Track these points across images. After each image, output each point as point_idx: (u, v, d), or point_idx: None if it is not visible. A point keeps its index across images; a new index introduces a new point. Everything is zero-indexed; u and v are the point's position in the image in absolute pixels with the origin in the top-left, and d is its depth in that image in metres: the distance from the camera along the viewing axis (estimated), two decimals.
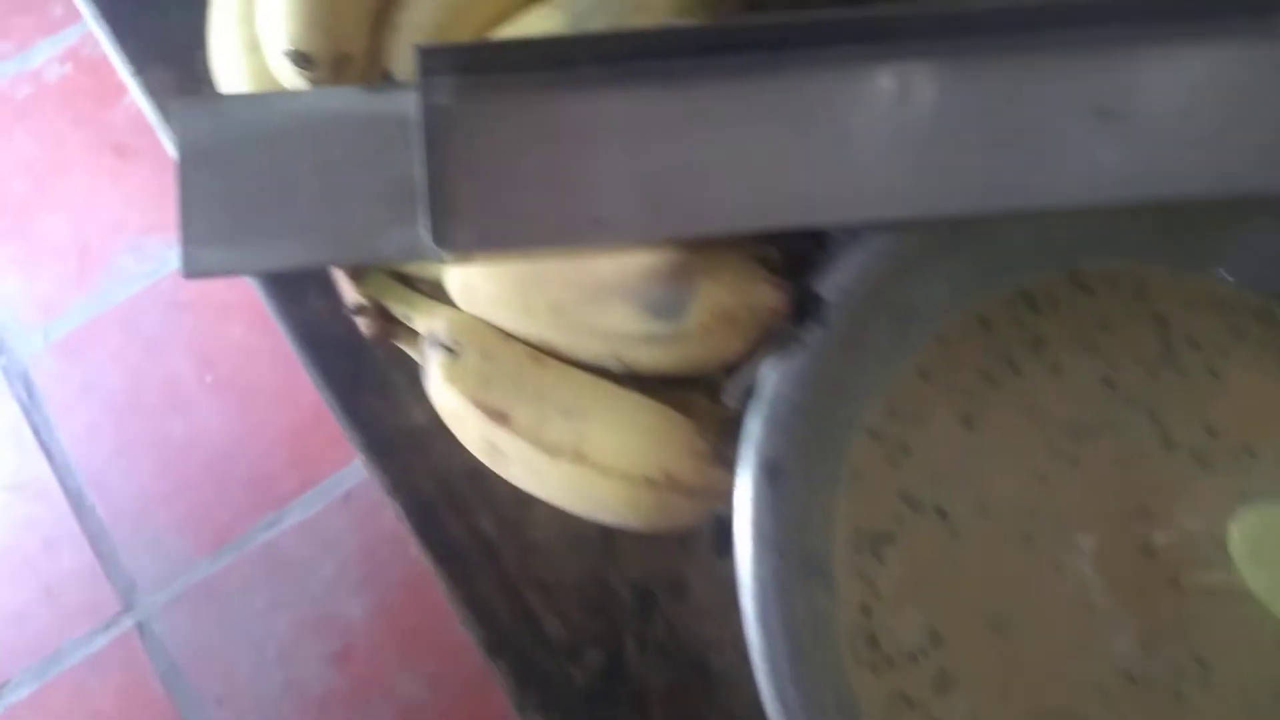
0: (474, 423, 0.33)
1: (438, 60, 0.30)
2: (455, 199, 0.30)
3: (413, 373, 0.38)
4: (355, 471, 0.99)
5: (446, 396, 0.33)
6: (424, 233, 0.29)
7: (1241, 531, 0.36)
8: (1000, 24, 0.31)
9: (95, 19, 0.43)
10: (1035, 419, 0.38)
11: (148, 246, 1.06)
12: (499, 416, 0.32)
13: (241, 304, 1.04)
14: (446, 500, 0.38)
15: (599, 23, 0.34)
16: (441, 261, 0.31)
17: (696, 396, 0.34)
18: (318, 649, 0.95)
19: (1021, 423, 0.38)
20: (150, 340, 1.04)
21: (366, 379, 0.39)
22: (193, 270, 0.30)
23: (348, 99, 0.31)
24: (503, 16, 0.35)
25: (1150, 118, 0.31)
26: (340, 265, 0.34)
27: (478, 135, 0.30)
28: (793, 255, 0.34)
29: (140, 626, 0.98)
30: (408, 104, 0.30)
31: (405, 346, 0.36)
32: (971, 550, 0.37)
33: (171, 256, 1.06)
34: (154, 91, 0.42)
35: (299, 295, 0.40)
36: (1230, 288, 0.38)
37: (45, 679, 0.96)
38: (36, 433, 1.02)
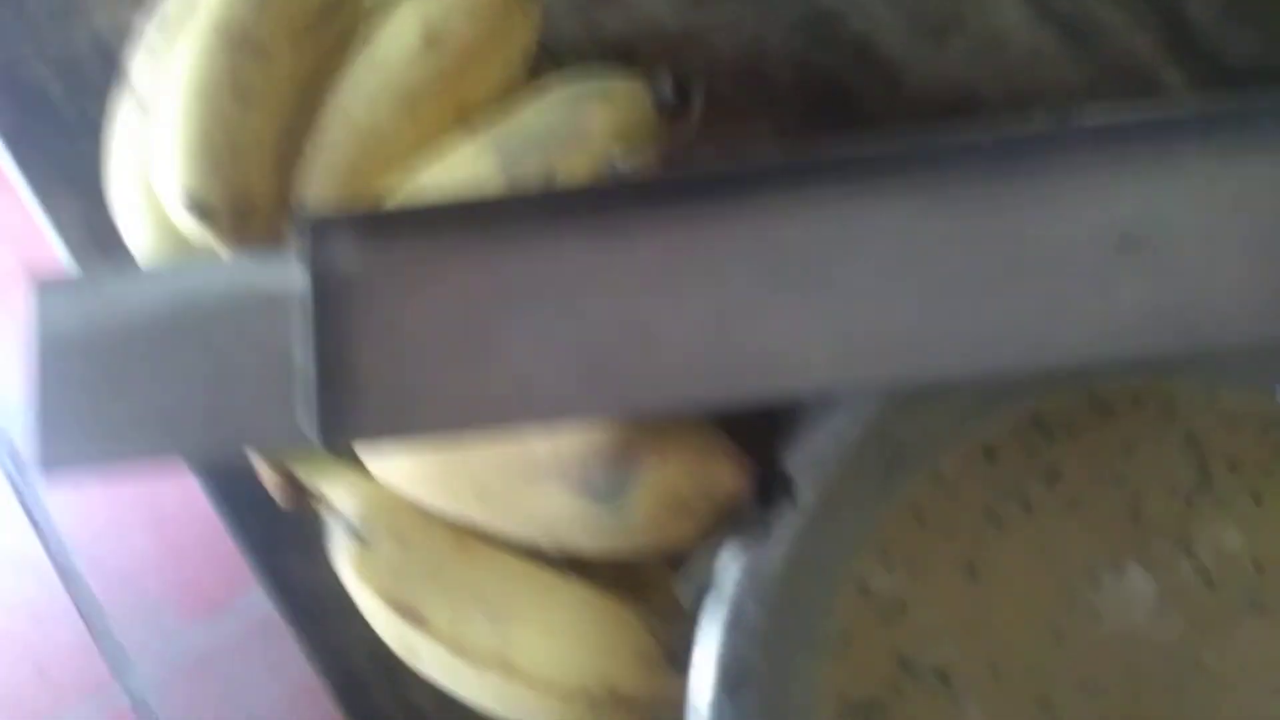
0: (387, 621, 0.29)
1: (332, 228, 0.26)
2: (350, 381, 0.26)
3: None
4: None
5: (356, 590, 0.29)
6: (306, 422, 0.25)
7: None
8: (997, 152, 0.27)
9: None
10: (1050, 564, 0.33)
11: None
12: (414, 617, 0.28)
13: None
14: (377, 669, 0.34)
15: (532, 162, 0.30)
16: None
17: (652, 568, 0.30)
18: (316, 716, 0.92)
19: (1034, 569, 0.33)
20: None
21: (288, 532, 0.35)
22: (51, 463, 0.26)
23: (234, 272, 0.27)
24: (423, 146, 0.31)
25: (1183, 248, 0.27)
26: (221, 455, 0.31)
27: (379, 306, 0.26)
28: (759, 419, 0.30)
29: (135, 702, 0.95)
30: (299, 273, 0.26)
31: (324, 514, 0.32)
32: (978, 719, 0.32)
33: None
34: (61, 224, 0.38)
35: None
36: (1274, 404, 0.34)
37: None
38: (24, 503, 0.99)
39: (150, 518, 0.98)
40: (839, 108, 0.38)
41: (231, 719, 0.93)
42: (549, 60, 0.38)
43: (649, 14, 0.39)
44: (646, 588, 0.31)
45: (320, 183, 0.31)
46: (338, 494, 0.31)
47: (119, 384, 0.27)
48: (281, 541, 0.35)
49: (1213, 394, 0.34)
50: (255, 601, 0.95)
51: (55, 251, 0.38)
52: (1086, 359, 0.27)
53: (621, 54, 0.39)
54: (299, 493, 0.32)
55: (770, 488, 0.27)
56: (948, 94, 0.38)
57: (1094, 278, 0.26)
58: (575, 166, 0.29)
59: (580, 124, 0.30)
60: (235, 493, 0.36)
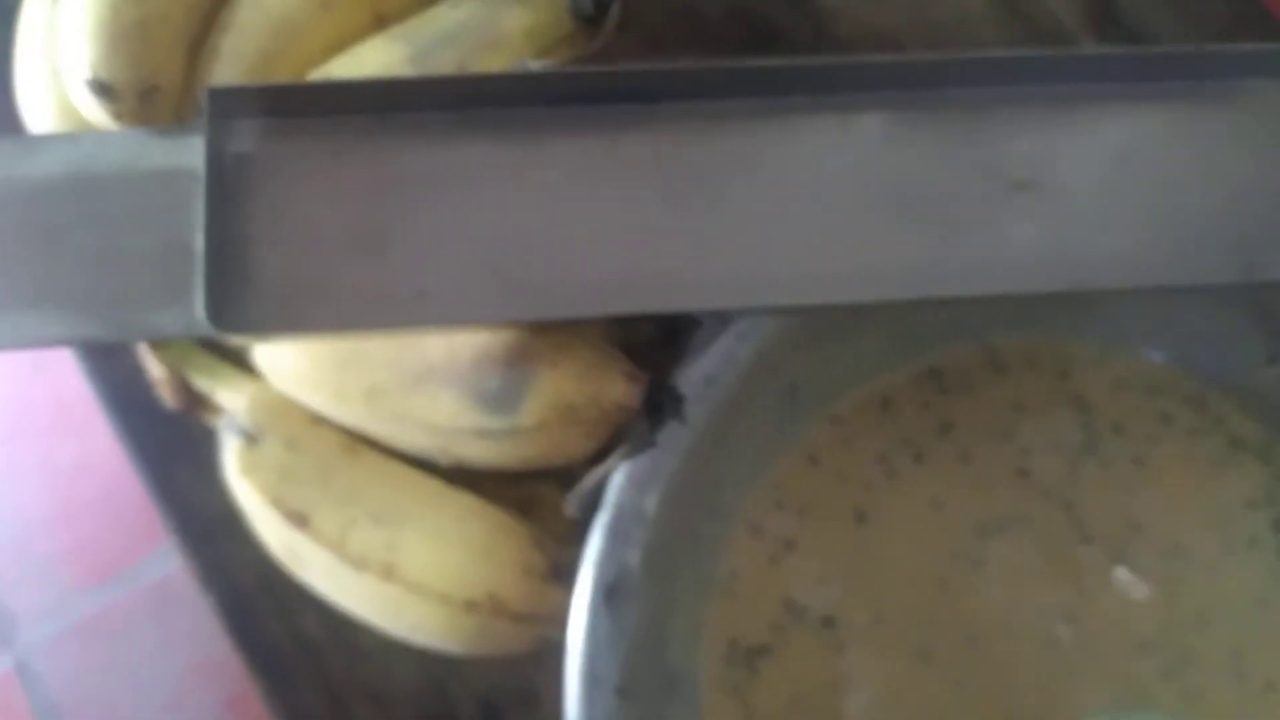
0: (271, 523, 0.28)
1: (234, 103, 0.25)
2: (244, 265, 0.25)
3: None
4: None
5: (241, 490, 0.29)
6: (198, 307, 0.24)
7: None
8: (901, 80, 0.27)
9: None
10: (938, 514, 0.34)
11: None
12: (298, 519, 0.28)
13: None
14: (266, 595, 0.34)
15: (443, 58, 0.29)
16: (224, 340, 0.26)
17: (545, 490, 0.30)
18: (209, 695, 0.89)
19: (922, 519, 0.34)
20: (40, 358, 0.97)
21: (182, 450, 0.34)
22: None
23: (133, 145, 0.27)
24: (338, 46, 0.31)
25: (1074, 193, 0.27)
26: (111, 342, 0.30)
27: (280, 190, 0.26)
28: (667, 335, 0.30)
29: (19, 665, 0.91)
30: (200, 152, 0.26)
31: (213, 423, 0.31)
32: (860, 666, 0.33)
33: None
34: None
35: (110, 349, 0.35)
36: (1161, 370, 0.35)
37: None
38: None
39: (45, 476, 0.95)
40: (766, 49, 0.38)
41: (120, 688, 0.90)
42: None
43: None
44: (538, 509, 0.31)
45: (228, 70, 0.30)
46: (227, 395, 0.31)
47: (9, 257, 0.26)
48: (176, 458, 0.35)
49: (1104, 359, 0.35)
50: (151, 569, 0.93)
51: None
52: (975, 293, 0.27)
53: None
54: (187, 394, 0.31)
55: (661, 403, 0.27)
56: (874, 45, 0.38)
57: (987, 215, 0.27)
58: (487, 66, 0.29)
59: (495, 23, 0.29)
60: (130, 399, 0.35)
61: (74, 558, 0.93)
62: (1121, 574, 0.33)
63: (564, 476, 0.30)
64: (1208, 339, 0.34)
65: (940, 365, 0.35)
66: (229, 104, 0.25)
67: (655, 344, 0.31)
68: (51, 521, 0.94)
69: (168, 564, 0.92)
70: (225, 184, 0.25)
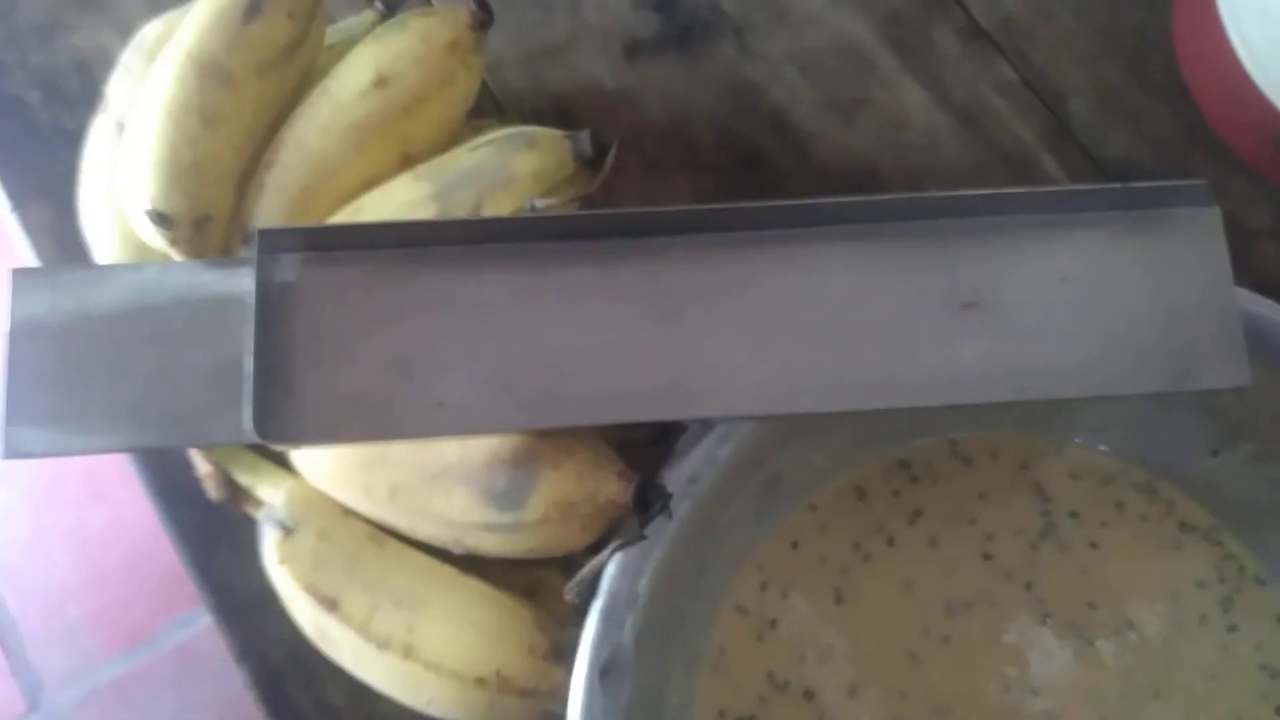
0: (304, 607, 0.32)
1: (280, 240, 0.29)
2: (288, 382, 0.29)
3: None
4: None
5: (278, 577, 0.32)
6: (247, 420, 0.28)
7: None
8: (861, 215, 0.31)
9: None
10: (909, 594, 0.37)
11: None
12: (328, 603, 0.31)
13: None
14: (295, 669, 0.37)
15: (463, 195, 0.33)
16: (270, 447, 0.30)
17: (548, 575, 0.33)
18: None
19: (894, 598, 0.37)
20: None
21: (220, 534, 0.37)
22: (14, 451, 0.29)
23: (190, 274, 0.30)
24: (370, 183, 0.35)
25: (1019, 311, 0.30)
26: (170, 448, 0.33)
27: (318, 316, 0.29)
28: (658, 434, 0.33)
29: None
30: (248, 281, 0.29)
31: (253, 513, 0.35)
32: None
33: None
34: (31, 229, 0.41)
35: None
36: (1113, 460, 0.38)
37: None
38: None
39: (75, 543, 0.98)
40: (753, 171, 0.42)
41: None
42: (495, 109, 0.41)
43: (589, 74, 0.43)
44: (541, 593, 0.34)
45: (272, 203, 0.34)
46: (267, 490, 0.34)
47: (81, 374, 0.29)
48: (215, 542, 0.38)
49: (1060, 451, 0.38)
50: (171, 636, 0.96)
51: (23, 254, 0.41)
52: (930, 404, 0.30)
53: (562, 109, 0.43)
54: (230, 487, 0.34)
55: (650, 499, 0.30)
56: (852, 166, 0.42)
57: (938, 333, 0.30)
58: (500, 203, 0.33)
59: (507, 166, 0.33)
60: (174, 492, 0.39)
61: (101, 623, 0.97)
62: (1080, 649, 0.36)
63: (565, 563, 0.33)
64: (1155, 434, 0.37)
65: (909, 457, 0.38)
66: (276, 241, 0.29)
67: (647, 442, 0.34)
68: (80, 589, 0.98)
69: (186, 631, 0.96)
70: (271, 310, 0.29)
